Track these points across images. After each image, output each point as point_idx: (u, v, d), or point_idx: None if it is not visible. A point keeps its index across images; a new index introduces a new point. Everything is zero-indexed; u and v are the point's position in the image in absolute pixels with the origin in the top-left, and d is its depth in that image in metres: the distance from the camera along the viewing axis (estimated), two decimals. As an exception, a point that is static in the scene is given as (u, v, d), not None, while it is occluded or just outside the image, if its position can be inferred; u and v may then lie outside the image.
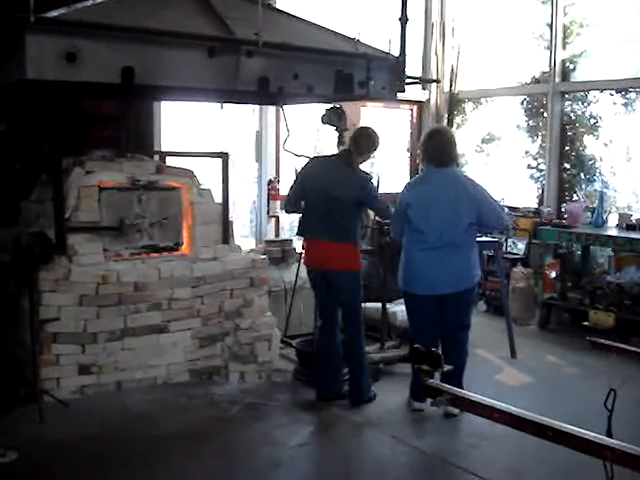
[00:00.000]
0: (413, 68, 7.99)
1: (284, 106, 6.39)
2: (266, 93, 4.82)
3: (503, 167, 9.23)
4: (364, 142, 5.33)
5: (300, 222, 5.70)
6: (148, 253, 5.69)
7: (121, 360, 5.40)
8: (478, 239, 5.36)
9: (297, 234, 5.93)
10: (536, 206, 8.63)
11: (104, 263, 5.39)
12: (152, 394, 5.40)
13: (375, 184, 5.62)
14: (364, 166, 5.43)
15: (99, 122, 6.21)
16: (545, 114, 8.61)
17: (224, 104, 6.48)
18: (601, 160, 8.22)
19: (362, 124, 5.63)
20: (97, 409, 5.07)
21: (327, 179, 5.29)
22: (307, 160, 5.57)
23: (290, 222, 8.61)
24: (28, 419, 4.73)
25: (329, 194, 5.23)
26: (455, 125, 9.49)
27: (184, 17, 4.61)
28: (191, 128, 7.62)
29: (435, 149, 5.21)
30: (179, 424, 4.93)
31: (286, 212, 6.03)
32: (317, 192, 5.31)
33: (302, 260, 5.67)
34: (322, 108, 5.75)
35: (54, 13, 4.06)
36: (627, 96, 7.87)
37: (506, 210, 5.42)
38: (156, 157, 6.39)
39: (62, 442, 4.52)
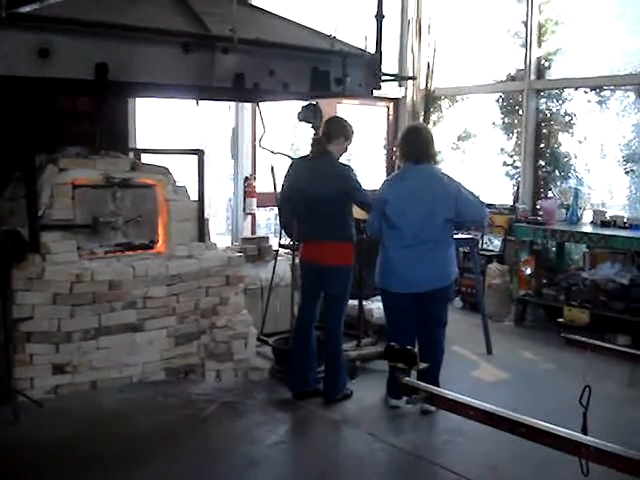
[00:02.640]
0: (389, 65, 7.99)
1: (260, 103, 6.37)
2: (242, 90, 4.79)
3: (479, 164, 9.26)
4: (334, 127, 5.37)
5: (281, 222, 5.74)
6: (123, 251, 5.65)
7: (96, 359, 5.36)
8: (454, 236, 5.38)
9: (291, 240, 5.92)
10: (511, 203, 8.67)
11: (78, 261, 5.35)
12: (127, 393, 5.37)
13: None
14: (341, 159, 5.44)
15: (73, 119, 6.15)
16: (520, 111, 8.65)
17: (199, 101, 6.44)
18: (576, 157, 8.27)
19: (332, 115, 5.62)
20: (72, 409, 5.02)
21: (306, 181, 5.33)
22: (288, 165, 5.56)
23: (266, 219, 8.60)
24: (2, 420, 4.68)
25: (311, 197, 5.26)
26: (431, 122, 9.50)
27: (158, 13, 4.56)
28: (166, 125, 7.58)
29: (413, 146, 5.21)
30: (155, 423, 4.90)
31: (281, 225, 6.03)
32: (301, 197, 5.36)
33: (298, 256, 5.68)
34: (298, 105, 5.74)
35: (27, 9, 4.00)
36: (601, 94, 7.92)
37: (484, 203, 5.41)
38: (131, 154, 6.34)
39: (37, 442, 4.48)
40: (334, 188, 5.19)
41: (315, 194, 5.24)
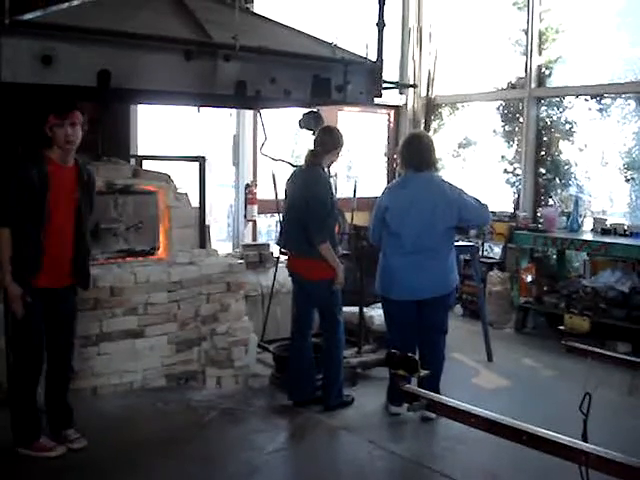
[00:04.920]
0: (390, 73, 8.01)
1: (261, 110, 6.39)
2: (243, 97, 4.80)
3: (479, 172, 9.27)
4: (327, 138, 5.37)
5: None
6: (124, 257, 5.66)
7: (97, 365, 5.36)
8: (455, 243, 5.38)
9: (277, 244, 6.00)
10: (512, 211, 8.67)
11: (80, 267, 5.34)
12: (128, 399, 5.36)
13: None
14: (337, 167, 5.45)
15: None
16: (521, 119, 8.67)
17: (201, 108, 6.45)
18: (576, 165, 8.29)
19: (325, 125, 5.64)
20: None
21: (293, 191, 5.39)
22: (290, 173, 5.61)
23: (267, 226, 8.60)
24: (2, 425, 4.67)
25: (292, 207, 5.33)
26: (432, 130, 9.52)
27: (161, 20, 4.58)
28: (168, 132, 7.58)
29: (414, 154, 5.22)
30: (156, 429, 4.90)
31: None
32: (287, 205, 5.43)
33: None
34: (299, 112, 5.75)
35: (30, 15, 4.02)
36: (602, 102, 7.94)
37: (486, 205, 5.39)
38: (132, 161, 6.36)
39: (36, 448, 4.47)
40: (303, 197, 5.21)
41: (295, 204, 5.29)
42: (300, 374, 5.45)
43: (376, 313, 6.52)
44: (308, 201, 5.15)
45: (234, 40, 4.47)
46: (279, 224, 5.73)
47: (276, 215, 6.71)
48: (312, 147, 5.39)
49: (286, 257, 5.65)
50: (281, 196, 6.36)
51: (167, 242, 5.85)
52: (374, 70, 5.33)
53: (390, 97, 8.94)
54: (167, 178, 5.89)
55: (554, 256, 8.22)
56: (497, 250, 8.78)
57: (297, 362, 5.47)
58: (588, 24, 8.06)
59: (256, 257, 7.42)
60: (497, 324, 7.87)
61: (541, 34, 8.42)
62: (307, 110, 5.70)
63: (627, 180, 7.87)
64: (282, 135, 8.08)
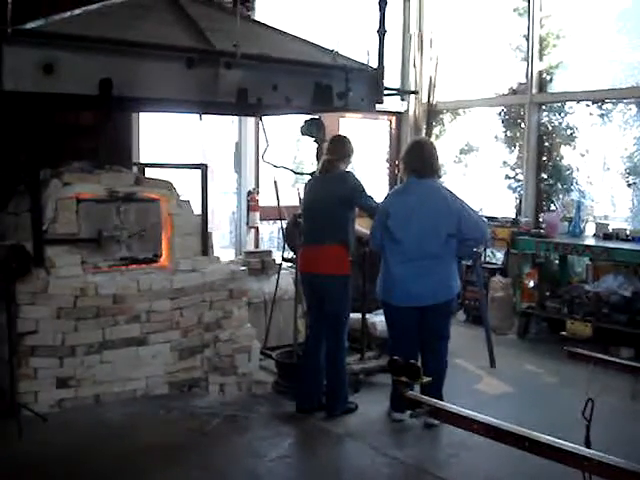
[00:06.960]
0: (391, 79, 8.01)
1: (263, 117, 6.41)
2: (245, 104, 4.82)
3: (481, 177, 9.28)
4: (340, 147, 5.44)
5: (285, 236, 5.77)
6: (127, 265, 5.65)
7: (100, 373, 5.35)
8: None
9: (290, 248, 6.05)
10: (514, 216, 8.67)
11: (82, 275, 5.35)
12: (131, 407, 5.36)
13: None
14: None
15: (77, 133, 6.17)
16: (522, 125, 8.68)
17: (203, 115, 6.47)
18: (578, 170, 8.30)
19: (334, 134, 5.68)
20: (75, 423, 5.02)
21: (314, 193, 5.45)
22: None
23: (270, 233, 8.62)
24: (6, 434, 4.68)
25: (315, 202, 5.38)
26: (433, 136, 9.53)
27: (162, 28, 4.60)
28: (170, 139, 7.61)
29: (417, 160, 5.23)
30: (159, 437, 4.90)
31: (284, 239, 6.18)
32: (308, 207, 5.48)
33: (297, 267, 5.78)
34: (301, 119, 5.77)
35: (32, 25, 4.05)
36: (603, 107, 7.95)
37: (485, 221, 5.42)
38: (135, 168, 6.37)
39: (40, 456, 4.47)
40: (335, 192, 5.26)
41: (318, 200, 5.35)
42: (312, 383, 5.44)
43: (379, 319, 6.51)
44: (349, 196, 5.27)
45: (235, 48, 4.50)
46: (299, 224, 5.71)
47: (278, 222, 6.71)
48: (327, 156, 5.41)
49: (297, 262, 5.66)
50: (283, 203, 6.39)
51: (169, 249, 5.85)
52: (375, 77, 5.36)
53: (391, 103, 8.93)
54: (169, 186, 5.90)
55: (556, 261, 8.21)
56: (499, 256, 8.78)
57: (309, 368, 5.45)
58: (588, 29, 8.08)
59: (258, 264, 7.42)
60: (499, 330, 7.86)
61: (542, 40, 8.44)
62: (309, 117, 5.72)
63: (629, 185, 7.88)
64: (284, 142, 8.09)
